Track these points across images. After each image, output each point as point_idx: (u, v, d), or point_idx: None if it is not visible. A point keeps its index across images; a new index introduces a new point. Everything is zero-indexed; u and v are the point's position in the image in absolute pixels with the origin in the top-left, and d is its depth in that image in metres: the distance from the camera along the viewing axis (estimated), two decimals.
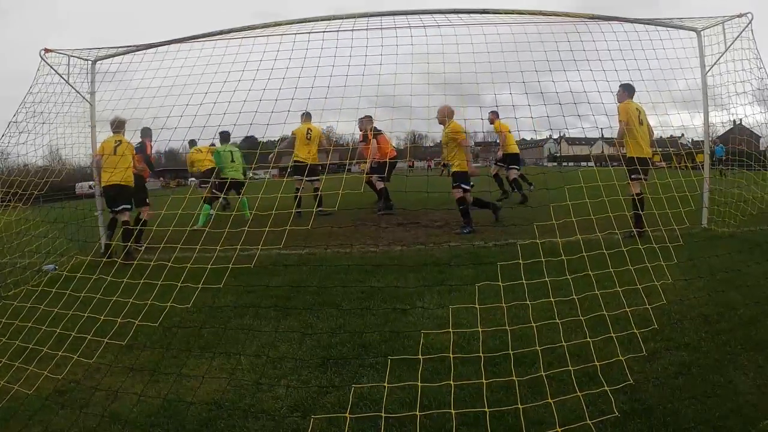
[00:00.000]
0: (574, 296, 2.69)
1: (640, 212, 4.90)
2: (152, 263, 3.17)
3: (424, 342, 2.51)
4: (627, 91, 5.49)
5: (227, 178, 7.57)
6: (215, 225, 3.48)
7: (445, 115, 6.12)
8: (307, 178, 7.49)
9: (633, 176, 4.95)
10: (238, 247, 3.22)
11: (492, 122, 8.85)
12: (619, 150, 5.53)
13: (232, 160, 7.86)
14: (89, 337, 2.61)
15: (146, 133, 6.85)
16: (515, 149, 8.99)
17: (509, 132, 8.57)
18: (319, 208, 6.96)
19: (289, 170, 7.88)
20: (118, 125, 5.77)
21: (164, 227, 3.57)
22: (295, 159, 7.59)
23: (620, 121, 5.32)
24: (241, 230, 3.29)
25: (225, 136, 7.60)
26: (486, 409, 1.90)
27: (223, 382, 2.42)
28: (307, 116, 7.88)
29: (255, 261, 3.37)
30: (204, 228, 3.61)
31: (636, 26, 4.93)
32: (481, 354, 2.26)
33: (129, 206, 5.94)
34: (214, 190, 7.42)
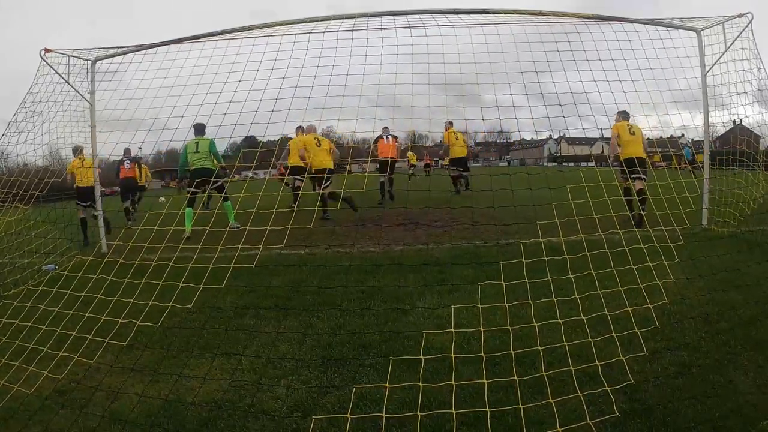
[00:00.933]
0: (576, 295, 2.69)
1: (640, 210, 5.77)
2: (153, 263, 3.17)
3: (425, 342, 2.51)
4: (622, 116, 6.67)
5: (197, 169, 7.08)
6: (215, 225, 3.47)
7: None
8: (296, 177, 8.56)
9: (623, 175, 6.12)
10: (240, 246, 3.22)
11: (446, 130, 10.51)
12: (612, 154, 6.77)
13: (196, 151, 7.16)
14: (90, 337, 2.61)
15: (127, 152, 10.09)
16: (459, 153, 10.86)
17: (456, 140, 10.62)
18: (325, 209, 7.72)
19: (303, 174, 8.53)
20: (79, 151, 7.55)
21: (166, 227, 3.57)
22: (291, 164, 8.30)
23: (612, 133, 6.70)
24: (242, 229, 3.29)
25: (198, 128, 7.12)
26: (486, 409, 1.91)
27: (223, 383, 2.42)
28: (310, 128, 8.37)
29: (256, 261, 3.37)
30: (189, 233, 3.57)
31: (636, 26, 4.93)
32: (482, 354, 2.26)
33: (94, 204, 7.25)
34: (187, 188, 7.21)
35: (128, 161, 10.60)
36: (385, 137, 10.02)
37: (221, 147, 8.14)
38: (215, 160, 7.28)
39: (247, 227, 3.28)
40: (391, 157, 9.95)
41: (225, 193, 7.30)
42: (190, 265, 3.02)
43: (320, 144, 8.04)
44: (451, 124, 10.14)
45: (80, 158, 7.61)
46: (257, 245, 3.18)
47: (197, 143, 7.19)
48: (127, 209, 10.13)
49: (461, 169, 10.83)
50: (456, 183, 10.61)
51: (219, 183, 7.18)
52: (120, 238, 3.54)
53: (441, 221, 7.00)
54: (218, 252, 3.16)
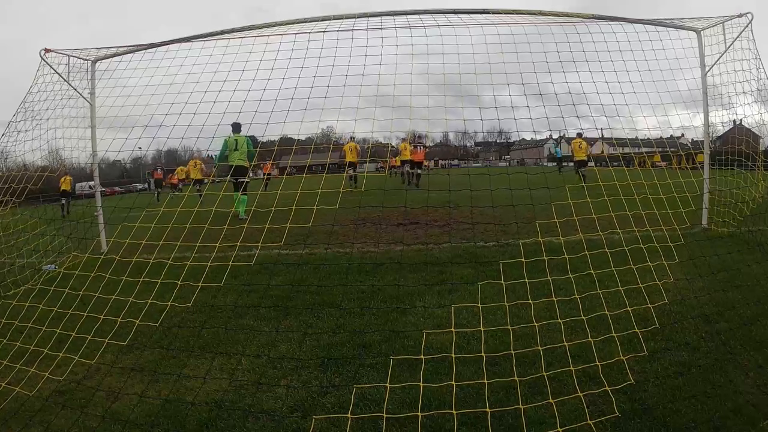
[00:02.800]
0: (576, 295, 2.69)
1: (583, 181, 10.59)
2: (151, 261, 3.17)
3: (425, 342, 2.51)
4: (577, 134, 13.43)
5: (235, 165, 8.12)
6: (214, 223, 3.47)
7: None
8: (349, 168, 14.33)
9: (578, 168, 13.33)
10: (238, 245, 3.21)
11: (402, 142, 15.54)
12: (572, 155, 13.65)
13: (236, 149, 8.19)
14: (89, 337, 2.61)
15: (158, 162, 21.36)
16: (408, 157, 15.43)
17: (405, 149, 15.34)
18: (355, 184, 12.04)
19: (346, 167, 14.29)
20: (64, 173, 13.50)
21: (163, 225, 3.55)
22: (348, 160, 14.38)
23: (573, 145, 13.67)
24: (240, 228, 3.29)
25: (236, 127, 8.06)
26: (487, 409, 1.91)
27: (223, 382, 2.42)
28: (352, 138, 14.01)
29: (256, 260, 3.36)
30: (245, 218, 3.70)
31: (636, 26, 4.92)
32: (482, 354, 2.26)
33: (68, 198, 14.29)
34: (230, 179, 8.37)
35: (159, 169, 20.72)
36: (417, 146, 15.07)
37: (219, 146, 8.73)
38: (249, 155, 8.39)
39: (245, 225, 3.27)
40: (418, 159, 15.38)
41: (245, 189, 8.26)
42: (188, 263, 3.01)
43: (352, 149, 14.47)
44: (404, 138, 15.40)
45: (65, 177, 14.29)
46: (256, 244, 3.17)
47: (236, 141, 8.19)
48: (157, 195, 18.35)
49: (409, 168, 15.37)
50: (407, 178, 15.28)
51: (247, 181, 8.44)
52: (118, 236, 3.52)
53: (440, 221, 7.01)
54: (216, 251, 3.16)
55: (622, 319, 2.58)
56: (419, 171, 15.26)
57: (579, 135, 13.48)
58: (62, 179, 14.37)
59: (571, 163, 16.38)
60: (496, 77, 4.02)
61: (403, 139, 15.86)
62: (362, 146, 15.24)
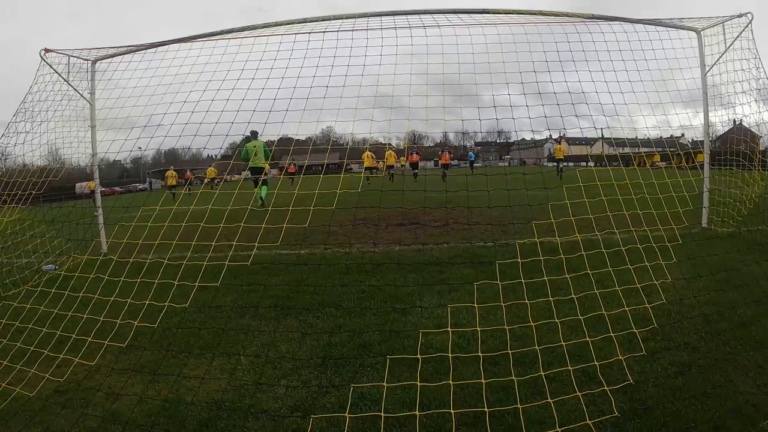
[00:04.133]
0: (573, 296, 2.69)
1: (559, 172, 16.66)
2: (148, 260, 3.16)
3: (424, 342, 2.51)
4: (559, 140, 19.53)
5: (255, 166, 9.76)
6: (213, 221, 3.46)
7: None
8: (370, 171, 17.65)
9: (560, 164, 18.62)
10: (234, 244, 3.21)
11: (387, 150, 19.19)
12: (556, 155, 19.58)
13: (255, 154, 9.67)
14: (89, 339, 2.61)
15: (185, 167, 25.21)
16: (392, 161, 20.02)
17: (389, 155, 19.52)
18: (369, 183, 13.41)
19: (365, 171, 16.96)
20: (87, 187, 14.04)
21: (159, 224, 3.54)
22: (366, 165, 17.58)
23: (556, 149, 20.02)
24: (236, 225, 3.27)
25: (254, 134, 9.17)
26: (486, 409, 1.91)
27: (223, 382, 2.42)
28: (369, 149, 16.90)
29: (256, 261, 3.36)
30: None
31: (636, 26, 4.92)
32: (480, 354, 2.26)
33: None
34: (249, 178, 10.27)
35: (188, 170, 21.56)
36: (446, 152, 20.92)
37: (217, 145, 9.12)
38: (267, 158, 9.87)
39: (242, 223, 3.26)
40: (446, 163, 20.50)
41: (265, 182, 9.69)
42: (184, 263, 3.01)
43: (391, 154, 18.63)
44: (390, 145, 18.65)
45: (91, 183, 15.08)
46: (253, 244, 3.17)
47: (255, 146, 9.65)
48: (174, 194, 17.56)
49: (393, 170, 19.74)
50: (391, 177, 18.38)
51: (266, 178, 9.80)
52: (117, 236, 3.52)
53: (439, 221, 7.01)
54: (211, 251, 3.15)
55: (621, 319, 2.58)
56: (445, 171, 19.33)
57: (559, 141, 19.16)
58: (89, 183, 19.16)
59: (553, 163, 21.06)
60: (495, 77, 4.02)
61: (390, 147, 19.24)
62: (363, 146, 17.40)
